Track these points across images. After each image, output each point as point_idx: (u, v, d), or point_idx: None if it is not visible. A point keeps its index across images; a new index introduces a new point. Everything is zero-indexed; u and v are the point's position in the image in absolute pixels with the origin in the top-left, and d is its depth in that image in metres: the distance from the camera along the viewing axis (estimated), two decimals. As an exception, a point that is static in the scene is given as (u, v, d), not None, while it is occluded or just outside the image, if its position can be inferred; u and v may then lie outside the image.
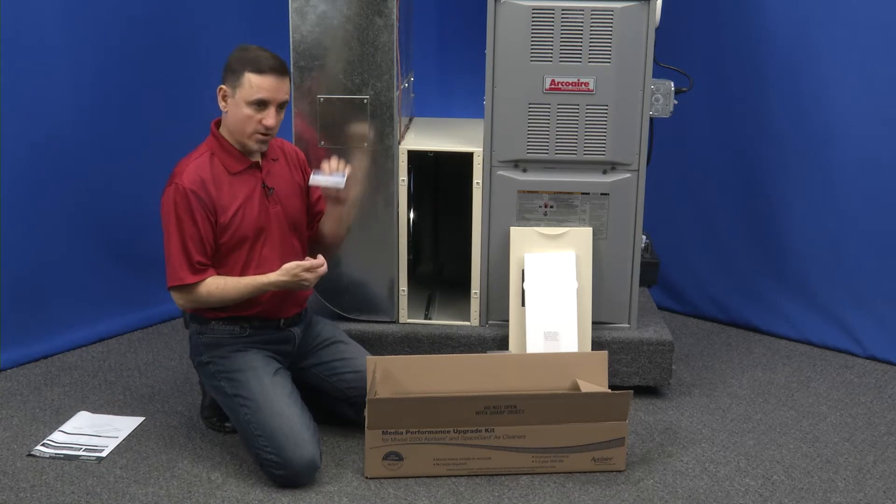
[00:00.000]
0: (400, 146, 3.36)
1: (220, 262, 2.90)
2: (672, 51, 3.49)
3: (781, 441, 3.16)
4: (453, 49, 4.30)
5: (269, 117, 2.85)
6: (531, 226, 3.37)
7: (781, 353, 3.85)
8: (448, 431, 2.83)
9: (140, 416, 3.24)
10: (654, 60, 3.23)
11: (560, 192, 3.35)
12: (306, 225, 3.10)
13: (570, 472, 2.90)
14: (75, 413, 3.23)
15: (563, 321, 3.27)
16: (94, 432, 3.12)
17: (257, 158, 2.95)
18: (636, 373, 3.40)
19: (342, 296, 3.44)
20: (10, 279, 3.52)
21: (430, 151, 3.43)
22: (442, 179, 3.87)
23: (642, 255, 3.46)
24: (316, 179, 3.01)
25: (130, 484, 2.84)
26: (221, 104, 2.89)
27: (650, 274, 3.57)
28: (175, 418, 3.23)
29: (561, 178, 3.34)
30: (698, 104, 3.75)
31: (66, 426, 3.15)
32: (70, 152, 3.65)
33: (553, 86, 3.24)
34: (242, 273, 2.91)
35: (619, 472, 2.92)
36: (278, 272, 2.84)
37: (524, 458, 2.88)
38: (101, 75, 3.69)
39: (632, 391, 2.88)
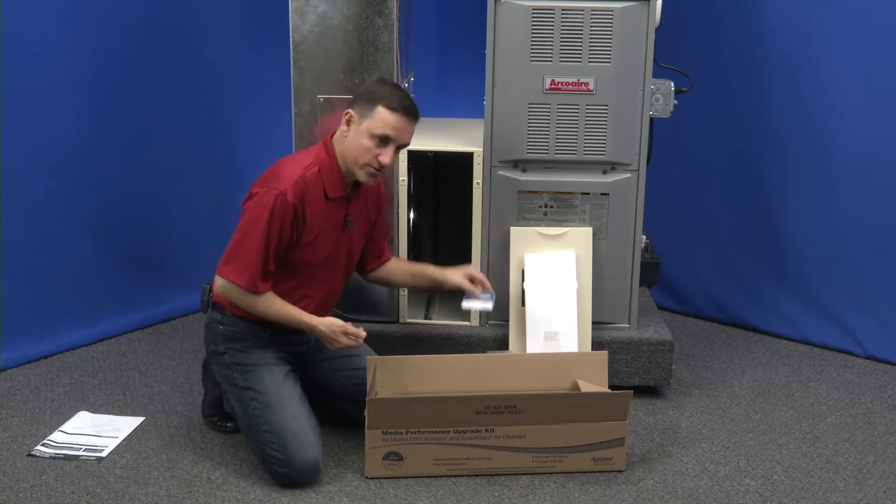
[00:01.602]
0: (400, 146, 3.36)
1: (278, 278, 2.90)
2: (672, 51, 3.49)
3: (781, 441, 3.16)
4: (453, 49, 4.31)
5: (387, 155, 2.85)
6: (531, 226, 3.37)
7: (781, 353, 3.85)
8: (448, 431, 2.83)
9: (140, 416, 3.24)
10: (654, 60, 3.23)
11: (560, 192, 3.35)
12: (358, 260, 3.12)
13: (570, 472, 2.90)
14: (75, 413, 3.23)
15: (563, 321, 3.27)
16: (94, 432, 3.12)
17: (349, 190, 2.95)
18: (636, 373, 3.40)
19: (343, 296, 3.43)
20: (10, 279, 3.52)
21: (430, 151, 3.43)
22: (442, 179, 3.87)
23: (642, 255, 3.46)
24: (469, 305, 3.10)
25: (130, 484, 2.84)
26: (343, 127, 2.87)
27: (650, 274, 3.57)
28: (175, 418, 3.23)
29: (561, 178, 3.34)
30: (698, 104, 3.74)
31: (66, 426, 3.15)
32: (70, 152, 3.65)
33: (553, 86, 3.24)
34: (282, 290, 2.90)
35: (619, 472, 2.92)
36: (322, 321, 2.85)
37: (524, 458, 2.88)
38: (101, 75, 3.69)
39: (632, 391, 2.88)
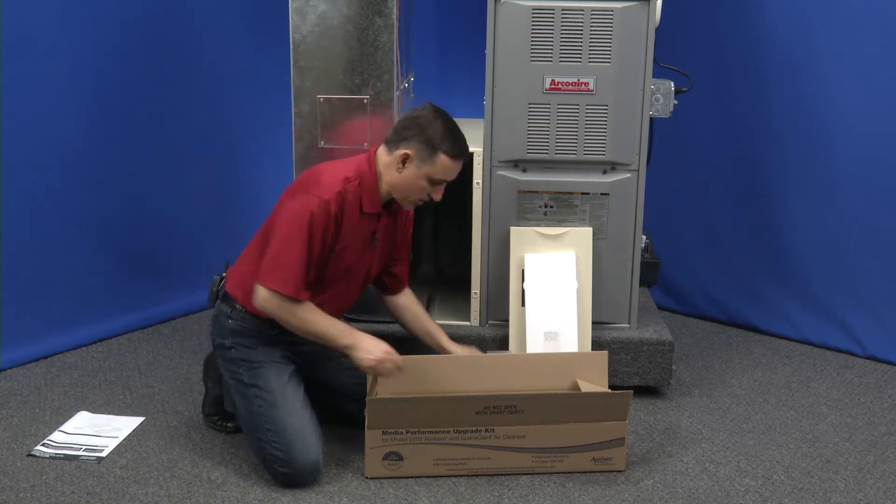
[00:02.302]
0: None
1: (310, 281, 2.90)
2: (672, 51, 3.49)
3: (781, 441, 3.16)
4: (453, 49, 4.31)
5: (438, 193, 2.91)
6: (531, 226, 3.37)
7: (781, 353, 3.85)
8: (448, 431, 2.83)
9: (140, 416, 3.24)
10: (654, 60, 3.23)
11: (560, 192, 3.35)
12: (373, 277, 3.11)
13: (570, 472, 2.90)
14: (75, 413, 3.23)
15: (563, 321, 3.26)
16: (94, 432, 3.12)
17: (382, 207, 2.94)
18: (636, 373, 3.40)
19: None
20: (10, 279, 3.52)
21: (430, 151, 3.43)
22: (442, 179, 3.87)
23: (642, 255, 3.46)
24: None
25: (130, 484, 2.84)
26: (398, 165, 2.84)
27: (650, 274, 3.57)
28: (175, 418, 3.23)
29: (561, 178, 3.34)
30: (698, 104, 3.74)
31: (66, 426, 3.15)
32: (70, 152, 3.65)
33: (553, 86, 3.24)
34: (313, 297, 2.88)
35: (619, 472, 2.92)
36: (363, 344, 2.83)
37: (524, 458, 2.88)
38: (101, 75, 3.69)
39: (632, 391, 2.87)
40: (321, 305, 2.89)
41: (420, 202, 2.93)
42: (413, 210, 3.11)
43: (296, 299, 2.79)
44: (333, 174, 2.87)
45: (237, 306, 2.94)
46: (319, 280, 2.89)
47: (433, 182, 2.87)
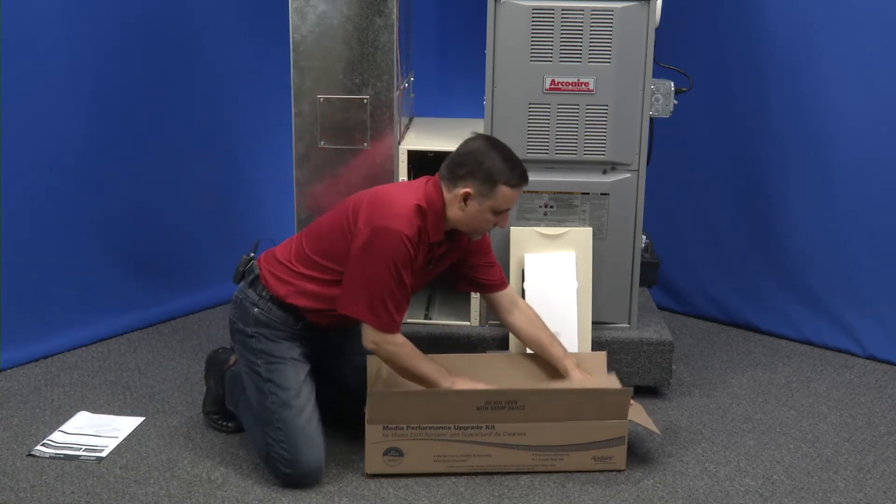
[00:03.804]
0: (400, 146, 3.36)
1: None
2: (672, 51, 3.49)
3: (781, 441, 3.16)
4: (453, 49, 4.31)
5: (505, 220, 2.89)
6: (531, 226, 3.37)
7: (781, 353, 3.85)
8: (449, 428, 2.83)
9: (140, 416, 3.24)
10: (654, 60, 3.23)
11: (560, 192, 3.35)
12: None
13: (570, 472, 2.90)
14: (75, 413, 3.23)
15: (563, 321, 3.26)
16: (94, 432, 3.12)
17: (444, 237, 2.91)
18: (636, 373, 3.40)
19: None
20: (10, 279, 3.52)
21: (430, 151, 3.43)
22: (442, 179, 3.87)
23: (642, 255, 3.46)
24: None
25: (130, 484, 2.84)
26: (460, 203, 2.81)
27: (650, 274, 3.57)
28: (175, 418, 3.23)
29: (561, 178, 3.34)
30: (698, 104, 3.75)
31: (66, 426, 3.15)
32: (70, 152, 3.66)
33: (553, 86, 3.24)
34: (318, 293, 2.88)
35: (619, 471, 2.92)
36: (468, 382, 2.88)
37: (524, 455, 2.88)
38: (101, 75, 3.69)
39: (632, 388, 2.87)
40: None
41: (487, 231, 2.94)
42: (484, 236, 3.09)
43: (394, 332, 2.82)
44: (403, 201, 2.81)
45: (264, 295, 2.90)
46: None
47: (497, 213, 2.85)
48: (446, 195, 2.84)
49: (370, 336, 2.81)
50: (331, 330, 2.99)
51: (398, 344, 2.83)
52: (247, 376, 2.95)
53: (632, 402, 2.93)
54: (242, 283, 2.98)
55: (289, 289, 2.89)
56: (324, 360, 3.04)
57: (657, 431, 2.97)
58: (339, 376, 3.06)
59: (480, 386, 2.89)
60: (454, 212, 2.84)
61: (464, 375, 2.91)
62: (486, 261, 3.08)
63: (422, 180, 2.90)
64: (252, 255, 3.01)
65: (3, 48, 3.39)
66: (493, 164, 2.80)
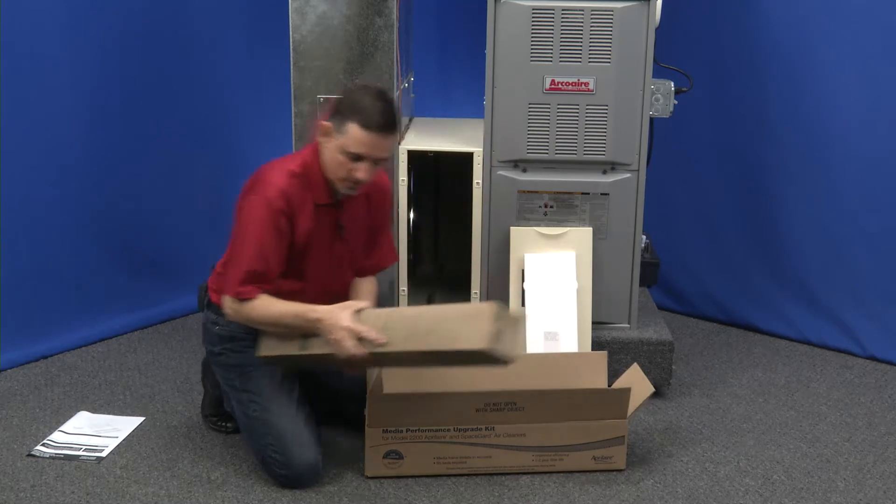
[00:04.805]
0: (400, 146, 3.36)
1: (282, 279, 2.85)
2: (672, 51, 3.49)
3: (781, 441, 3.16)
4: (453, 49, 4.30)
5: (361, 171, 2.72)
6: (531, 226, 3.37)
7: (781, 353, 3.85)
8: (448, 430, 2.84)
9: (140, 416, 3.23)
10: (654, 60, 3.23)
11: (560, 192, 3.35)
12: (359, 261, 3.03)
13: (570, 472, 2.90)
14: (75, 413, 3.23)
15: (563, 321, 3.26)
16: (94, 432, 3.12)
17: (340, 195, 2.84)
18: (636, 373, 3.40)
19: (342, 295, 3.43)
20: (10, 279, 3.52)
21: (430, 151, 3.43)
22: (442, 179, 3.87)
23: (642, 255, 3.46)
24: None
25: (130, 484, 2.84)
26: (321, 138, 2.76)
27: (650, 274, 3.57)
28: (175, 418, 3.23)
29: (561, 178, 3.34)
30: (698, 104, 3.74)
31: (66, 426, 3.15)
32: (70, 152, 3.65)
33: (553, 86, 3.24)
34: (291, 296, 2.82)
35: (619, 471, 2.92)
36: (326, 315, 2.65)
37: (524, 456, 2.88)
38: (100, 75, 3.69)
39: (630, 387, 2.87)
40: (307, 301, 2.85)
41: (351, 185, 2.76)
42: (388, 190, 3.02)
43: (247, 298, 2.73)
44: (278, 170, 2.78)
45: (218, 310, 2.90)
46: (298, 277, 2.84)
47: (350, 156, 2.70)
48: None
49: (226, 304, 2.76)
50: None
51: (254, 305, 2.73)
52: (227, 395, 2.96)
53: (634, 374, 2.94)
54: (205, 310, 2.99)
55: (217, 299, 2.88)
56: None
57: (653, 389, 2.95)
58: (334, 381, 3.06)
59: (362, 305, 2.69)
60: (321, 154, 2.77)
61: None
62: (377, 239, 3.01)
63: (308, 146, 2.85)
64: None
65: (2, 48, 3.39)
66: (355, 100, 2.71)
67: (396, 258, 3.18)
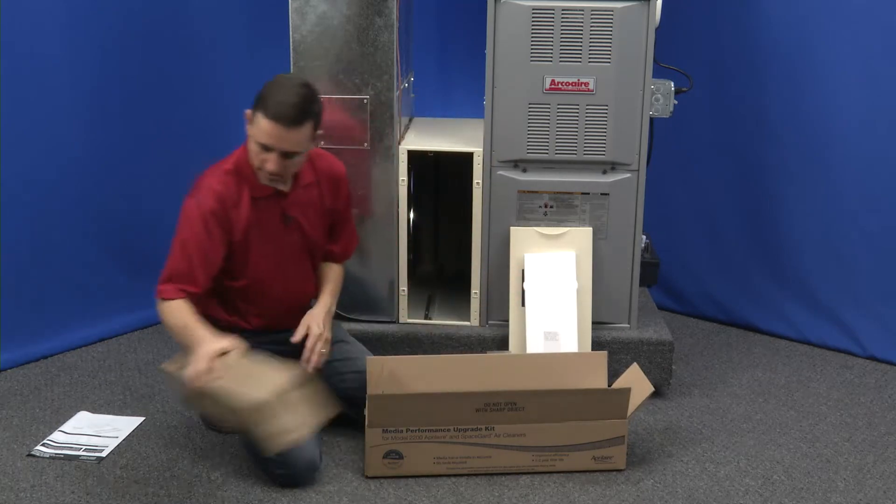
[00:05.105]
0: (400, 146, 3.36)
1: (227, 278, 2.88)
2: (672, 51, 3.49)
3: (781, 441, 3.16)
4: (453, 49, 4.30)
5: (270, 162, 2.74)
6: (531, 226, 3.37)
7: (781, 353, 3.85)
8: (448, 430, 2.84)
9: (140, 416, 3.24)
10: (654, 60, 3.23)
11: (560, 192, 3.35)
12: (321, 252, 3.06)
13: (570, 472, 2.90)
14: (75, 413, 3.23)
15: (563, 321, 3.26)
16: (94, 432, 3.12)
17: (282, 187, 2.86)
18: (636, 373, 3.40)
19: (342, 295, 3.43)
20: (10, 279, 3.52)
21: (430, 151, 3.43)
22: (442, 179, 3.87)
23: (642, 255, 3.46)
24: None
25: (130, 484, 2.84)
26: (247, 128, 2.78)
27: (650, 274, 3.57)
28: (175, 418, 3.23)
29: (561, 178, 3.34)
30: (698, 104, 3.74)
31: (66, 426, 3.15)
32: (70, 152, 3.65)
33: (553, 86, 3.24)
34: (246, 293, 2.89)
35: (619, 471, 2.92)
36: (204, 345, 2.61)
37: (524, 456, 2.88)
38: (100, 75, 3.69)
39: (630, 387, 2.87)
40: (264, 292, 2.88)
41: (270, 175, 2.76)
42: (340, 175, 3.01)
43: (165, 297, 2.76)
44: (214, 170, 2.81)
45: (208, 316, 2.92)
46: (243, 275, 2.86)
47: (260, 146, 2.72)
48: None
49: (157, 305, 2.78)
50: (275, 331, 2.98)
51: (172, 308, 2.76)
52: None
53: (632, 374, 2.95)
54: None
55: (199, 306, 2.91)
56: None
57: (653, 389, 2.95)
58: (331, 385, 3.06)
59: (212, 349, 2.61)
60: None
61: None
62: (339, 228, 3.05)
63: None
64: None
65: (2, 48, 3.39)
66: (268, 90, 2.72)
67: (357, 241, 3.20)
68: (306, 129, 2.75)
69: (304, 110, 2.73)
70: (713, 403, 3.41)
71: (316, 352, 2.90)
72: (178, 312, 2.75)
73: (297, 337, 2.91)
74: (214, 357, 2.58)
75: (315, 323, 2.93)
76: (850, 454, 3.08)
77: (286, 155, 2.75)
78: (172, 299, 2.78)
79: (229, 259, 2.86)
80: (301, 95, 2.73)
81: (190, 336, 2.69)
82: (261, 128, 2.71)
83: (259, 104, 2.72)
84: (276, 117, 2.69)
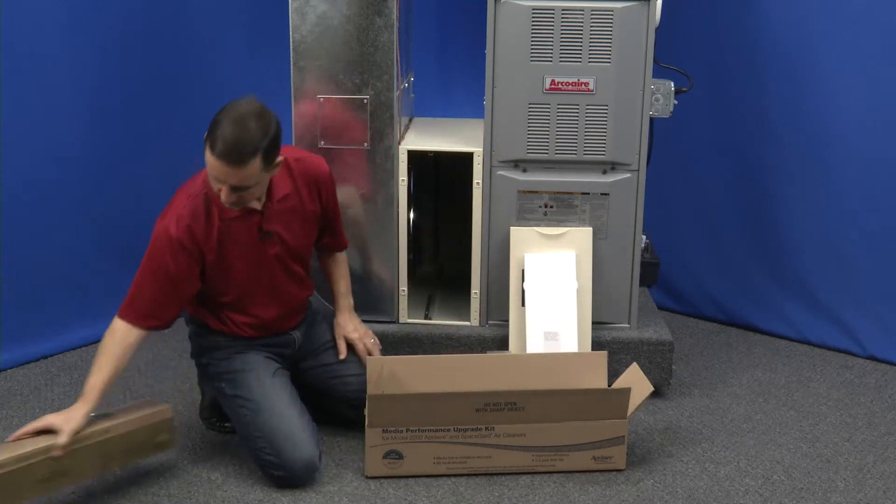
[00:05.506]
0: (400, 146, 3.36)
1: (213, 294, 2.86)
2: (672, 51, 3.49)
3: (781, 441, 3.16)
4: (453, 49, 4.30)
5: (223, 193, 2.63)
6: (531, 226, 3.37)
7: (781, 353, 3.85)
8: (448, 430, 2.84)
9: (140, 415, 3.23)
10: (654, 60, 3.23)
11: (560, 192, 3.35)
12: (310, 252, 3.04)
13: (570, 472, 2.90)
14: (75, 413, 3.23)
15: (563, 321, 3.26)
16: (94, 432, 3.11)
17: (253, 205, 2.78)
18: (636, 373, 3.40)
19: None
20: (10, 279, 3.52)
21: (430, 151, 3.43)
22: (442, 179, 3.87)
23: (642, 255, 3.46)
24: None
25: (130, 484, 2.84)
26: None
27: (650, 274, 3.57)
28: (175, 418, 3.21)
29: (561, 178, 3.34)
30: (698, 104, 3.74)
31: (66, 426, 3.15)
32: (70, 152, 3.65)
33: (553, 86, 3.24)
34: (234, 306, 2.87)
35: (619, 471, 2.92)
36: (79, 417, 2.67)
37: (524, 456, 2.88)
38: (100, 75, 3.69)
39: (630, 387, 2.87)
40: (249, 306, 2.86)
41: (230, 203, 2.66)
42: (321, 174, 2.94)
43: (116, 316, 2.78)
44: (182, 193, 2.77)
45: (195, 322, 2.95)
46: (227, 291, 2.84)
47: (211, 176, 2.63)
48: None
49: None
50: (272, 335, 2.97)
51: (114, 329, 2.76)
52: (221, 404, 2.98)
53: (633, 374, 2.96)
54: (187, 322, 3.02)
55: (192, 311, 2.93)
56: (310, 373, 3.05)
57: (653, 388, 2.96)
58: (329, 388, 3.06)
59: (68, 428, 2.63)
60: None
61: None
62: (330, 226, 3.06)
63: None
64: None
65: (2, 48, 3.39)
66: (215, 122, 2.59)
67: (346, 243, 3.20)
68: (253, 166, 2.59)
69: (247, 150, 2.57)
70: (713, 403, 3.41)
71: (371, 349, 3.06)
72: (107, 349, 2.75)
73: (342, 355, 3.04)
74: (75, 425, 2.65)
75: (348, 332, 3.06)
76: (850, 454, 3.08)
77: (237, 188, 2.64)
78: (115, 322, 2.78)
79: (208, 278, 2.81)
80: (246, 130, 2.57)
81: (88, 378, 2.72)
82: (209, 161, 2.61)
83: (208, 136, 2.59)
84: (219, 155, 2.57)
